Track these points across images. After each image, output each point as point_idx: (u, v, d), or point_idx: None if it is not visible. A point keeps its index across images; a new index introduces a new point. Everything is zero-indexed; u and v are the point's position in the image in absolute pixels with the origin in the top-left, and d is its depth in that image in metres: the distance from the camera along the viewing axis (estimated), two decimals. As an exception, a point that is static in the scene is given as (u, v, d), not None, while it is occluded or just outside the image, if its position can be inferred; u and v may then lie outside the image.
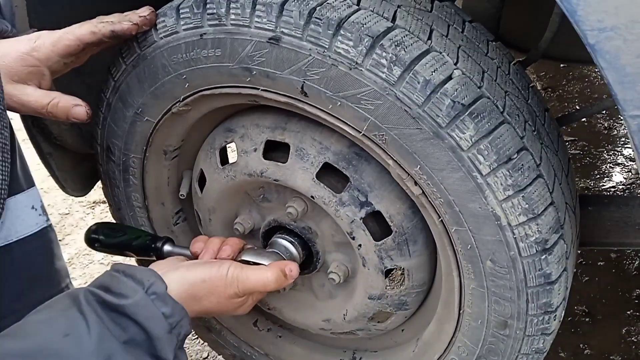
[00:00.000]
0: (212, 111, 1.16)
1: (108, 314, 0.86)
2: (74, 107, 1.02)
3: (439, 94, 0.87)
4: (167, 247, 1.16)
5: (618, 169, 2.65)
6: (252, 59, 0.95)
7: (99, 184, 1.41)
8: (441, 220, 0.99)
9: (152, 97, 1.10)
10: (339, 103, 0.93)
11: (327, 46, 0.90)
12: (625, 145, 2.78)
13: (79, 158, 1.39)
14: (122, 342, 0.85)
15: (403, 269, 1.12)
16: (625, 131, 2.86)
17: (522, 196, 0.91)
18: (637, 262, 2.16)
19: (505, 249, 0.95)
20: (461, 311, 1.09)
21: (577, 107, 3.01)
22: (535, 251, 0.94)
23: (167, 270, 0.99)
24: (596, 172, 2.63)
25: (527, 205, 0.92)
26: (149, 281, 0.91)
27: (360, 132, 0.95)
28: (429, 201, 0.98)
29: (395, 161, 0.96)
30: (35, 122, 1.25)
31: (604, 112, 2.88)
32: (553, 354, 1.15)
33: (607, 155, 2.73)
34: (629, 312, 1.98)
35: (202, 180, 1.24)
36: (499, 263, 0.97)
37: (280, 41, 0.92)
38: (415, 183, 0.97)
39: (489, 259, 0.97)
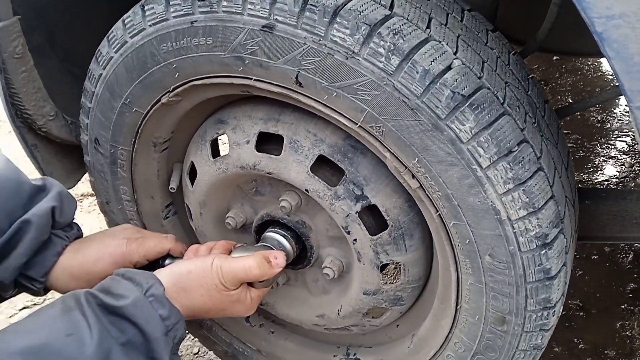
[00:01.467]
0: (203, 102, 1.13)
1: (107, 316, 0.89)
2: None
3: (438, 84, 0.85)
4: (167, 261, 1.17)
5: (611, 162, 2.64)
6: (245, 47, 0.92)
7: (86, 176, 1.37)
8: (439, 214, 0.96)
9: (141, 87, 1.06)
10: (335, 93, 0.90)
11: (322, 34, 0.87)
12: (619, 139, 2.77)
13: (65, 149, 1.36)
14: (120, 343, 0.88)
15: (398, 263, 1.10)
16: (619, 124, 2.85)
17: (523, 190, 0.89)
18: (631, 256, 2.15)
19: (505, 243, 0.93)
20: (458, 307, 1.07)
21: (570, 100, 3.00)
22: (535, 246, 0.92)
23: (159, 271, 1.02)
24: (589, 165, 2.62)
25: (527, 199, 0.90)
26: (148, 283, 0.94)
27: (357, 124, 0.93)
28: (427, 195, 0.95)
29: (393, 154, 0.94)
30: (19, 113, 1.23)
31: (597, 105, 2.87)
32: (547, 349, 1.14)
33: (601, 148, 2.71)
34: (623, 306, 1.97)
35: (193, 173, 1.21)
36: (497, 258, 0.95)
37: (274, 29, 0.89)
38: (413, 176, 0.95)
39: (488, 253, 0.95)
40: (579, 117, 2.88)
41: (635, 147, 2.69)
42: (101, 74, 1.09)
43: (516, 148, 0.89)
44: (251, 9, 0.89)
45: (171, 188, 1.28)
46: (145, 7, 0.99)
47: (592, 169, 2.59)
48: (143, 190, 1.28)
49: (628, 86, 0.74)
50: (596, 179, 2.54)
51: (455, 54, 0.88)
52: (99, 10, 1.22)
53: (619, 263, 2.14)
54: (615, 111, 2.94)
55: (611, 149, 2.71)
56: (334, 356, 1.39)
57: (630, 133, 2.79)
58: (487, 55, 0.93)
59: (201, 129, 1.18)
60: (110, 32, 1.05)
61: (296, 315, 1.31)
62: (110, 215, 1.35)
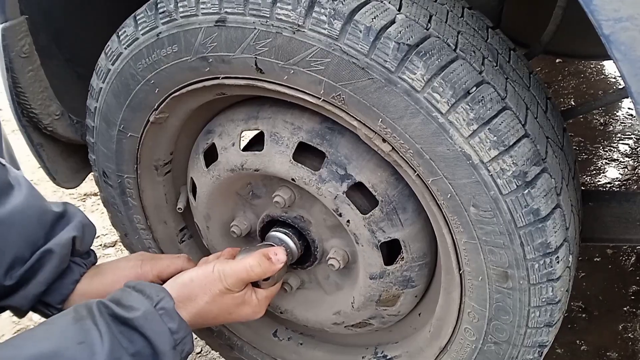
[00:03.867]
0: (192, 118, 1.11)
1: (117, 326, 0.85)
2: None
3: (382, 38, 0.80)
4: None
5: (614, 164, 2.46)
6: (205, 46, 0.91)
7: (90, 175, 1.32)
8: (417, 174, 0.89)
9: (130, 110, 1.06)
10: (292, 71, 0.87)
11: (268, 15, 0.84)
12: (621, 142, 2.60)
13: (70, 149, 1.30)
14: (130, 354, 0.83)
15: (398, 240, 1.01)
16: (622, 127, 2.68)
17: (488, 129, 0.81)
18: (633, 259, 1.97)
19: (485, 189, 0.84)
20: (461, 272, 0.97)
21: (573, 103, 2.85)
22: (515, 186, 0.83)
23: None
24: (592, 168, 2.45)
25: (495, 138, 0.81)
26: (158, 296, 0.90)
27: (320, 98, 0.88)
28: (401, 156, 0.88)
29: (359, 121, 0.88)
30: (25, 112, 1.17)
31: (600, 108, 2.71)
32: (549, 350, 1.03)
33: (603, 151, 2.54)
34: (625, 309, 1.79)
35: (195, 190, 1.17)
36: (482, 207, 0.85)
37: (226, 22, 0.87)
38: (383, 140, 0.88)
39: (471, 204, 0.86)
40: (582, 119, 2.73)
41: (638, 149, 2.52)
42: (96, 107, 1.09)
43: (474, 89, 0.82)
44: (204, 8, 0.88)
45: (178, 208, 1.25)
46: (119, 33, 1.00)
47: (595, 172, 2.42)
48: (155, 217, 1.25)
49: (635, 88, 0.69)
50: (599, 181, 2.37)
51: (399, 10, 0.83)
52: (104, 12, 1.18)
53: (622, 265, 1.96)
54: (618, 114, 2.78)
55: (614, 151, 2.54)
56: (363, 357, 1.28)
57: (632, 136, 2.62)
58: (435, 10, 0.88)
59: (195, 145, 1.16)
60: (97, 64, 1.06)
61: (314, 317, 1.22)
62: (131, 248, 1.32)
